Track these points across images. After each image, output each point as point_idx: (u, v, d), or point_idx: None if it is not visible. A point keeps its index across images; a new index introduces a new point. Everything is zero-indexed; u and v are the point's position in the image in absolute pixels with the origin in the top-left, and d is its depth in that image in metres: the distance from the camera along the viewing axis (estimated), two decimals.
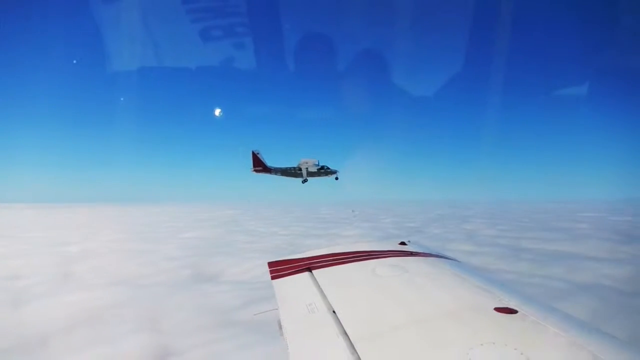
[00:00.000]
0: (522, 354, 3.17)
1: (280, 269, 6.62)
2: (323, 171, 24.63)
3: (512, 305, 4.06)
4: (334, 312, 4.62)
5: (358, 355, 3.57)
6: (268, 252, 50.23)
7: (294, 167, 27.23)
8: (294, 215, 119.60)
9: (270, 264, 6.92)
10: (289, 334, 4.34)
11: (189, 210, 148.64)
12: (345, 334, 4.02)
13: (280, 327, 4.59)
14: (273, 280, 6.20)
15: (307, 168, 24.55)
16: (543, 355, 3.22)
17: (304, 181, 22.85)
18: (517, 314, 3.90)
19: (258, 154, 27.20)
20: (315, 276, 6.00)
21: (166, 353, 20.21)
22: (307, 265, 6.52)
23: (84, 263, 44.94)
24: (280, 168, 28.01)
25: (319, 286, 5.55)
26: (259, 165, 27.00)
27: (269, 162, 22.17)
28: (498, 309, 4.00)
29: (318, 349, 4.03)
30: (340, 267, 6.29)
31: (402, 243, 7.25)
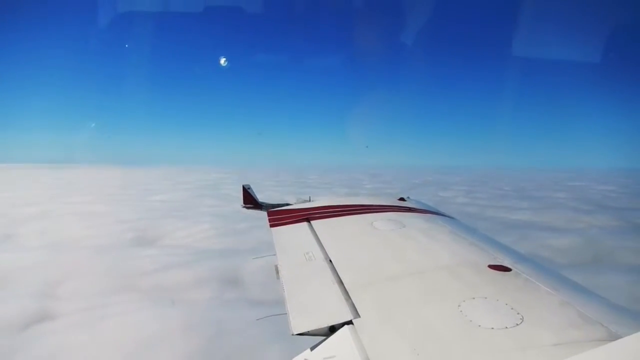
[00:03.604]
0: (512, 309, 3.24)
1: (279, 217, 6.96)
2: None
3: (506, 264, 4.17)
4: (330, 261, 4.80)
5: (352, 301, 3.71)
6: (222, 217, 50.20)
7: (287, 204, 26.68)
8: (278, 180, 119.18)
9: (270, 213, 7.39)
10: (285, 279, 4.52)
11: (176, 173, 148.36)
12: (341, 282, 4.18)
13: (277, 272, 4.79)
14: (272, 228, 6.45)
15: None
16: (534, 311, 3.25)
17: None
18: (511, 272, 3.99)
19: (249, 189, 26.54)
20: (313, 226, 6.19)
21: (40, 317, 20.09)
22: (306, 215, 6.76)
23: (33, 224, 44.95)
24: (272, 205, 27.41)
25: (316, 236, 5.73)
26: (250, 202, 26.45)
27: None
28: (492, 267, 4.10)
29: (313, 294, 4.15)
30: (339, 219, 6.56)
31: (402, 199, 7.56)
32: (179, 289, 24.52)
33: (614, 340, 2.66)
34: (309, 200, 25.65)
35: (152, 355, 16.14)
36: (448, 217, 6.81)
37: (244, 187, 27.77)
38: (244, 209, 25.50)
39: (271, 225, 6.57)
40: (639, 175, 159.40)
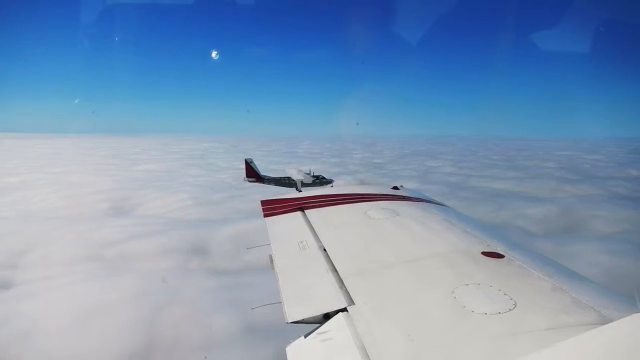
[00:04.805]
0: (505, 294, 3.31)
1: (273, 207, 6.86)
2: (318, 181, 26.24)
3: (499, 251, 4.24)
4: (324, 249, 4.82)
5: (346, 289, 3.75)
6: (201, 187, 50.05)
7: (288, 177, 26.97)
8: (268, 149, 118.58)
9: (264, 202, 7.12)
10: (280, 268, 4.51)
11: (168, 142, 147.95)
12: (335, 270, 4.21)
13: (272, 261, 4.76)
14: (265, 218, 6.42)
15: (301, 180, 26.15)
16: (527, 297, 3.31)
17: (299, 191, 22.81)
18: (504, 258, 4.07)
19: (251, 162, 26.76)
20: (307, 216, 6.23)
21: None
22: (300, 205, 6.75)
23: (9, 194, 44.87)
24: (274, 178, 27.71)
25: (310, 225, 5.78)
26: (252, 175, 26.57)
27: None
28: (485, 253, 4.16)
29: (307, 283, 4.15)
30: (333, 208, 6.56)
31: (395, 187, 7.60)
32: (142, 258, 24.52)
33: (605, 324, 2.71)
34: (310, 173, 25.57)
35: (92, 325, 16.19)
36: (442, 205, 6.86)
37: (246, 160, 27.67)
38: (247, 181, 25.20)
39: (265, 215, 6.54)
40: (630, 144, 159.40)
